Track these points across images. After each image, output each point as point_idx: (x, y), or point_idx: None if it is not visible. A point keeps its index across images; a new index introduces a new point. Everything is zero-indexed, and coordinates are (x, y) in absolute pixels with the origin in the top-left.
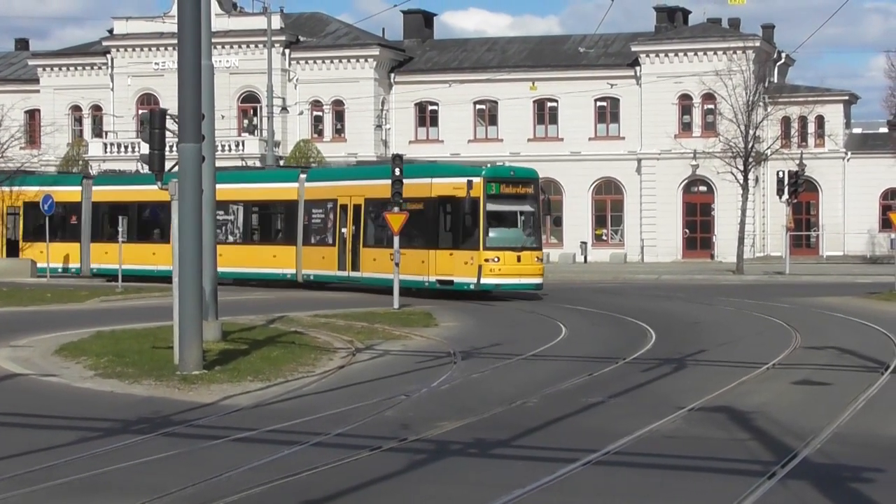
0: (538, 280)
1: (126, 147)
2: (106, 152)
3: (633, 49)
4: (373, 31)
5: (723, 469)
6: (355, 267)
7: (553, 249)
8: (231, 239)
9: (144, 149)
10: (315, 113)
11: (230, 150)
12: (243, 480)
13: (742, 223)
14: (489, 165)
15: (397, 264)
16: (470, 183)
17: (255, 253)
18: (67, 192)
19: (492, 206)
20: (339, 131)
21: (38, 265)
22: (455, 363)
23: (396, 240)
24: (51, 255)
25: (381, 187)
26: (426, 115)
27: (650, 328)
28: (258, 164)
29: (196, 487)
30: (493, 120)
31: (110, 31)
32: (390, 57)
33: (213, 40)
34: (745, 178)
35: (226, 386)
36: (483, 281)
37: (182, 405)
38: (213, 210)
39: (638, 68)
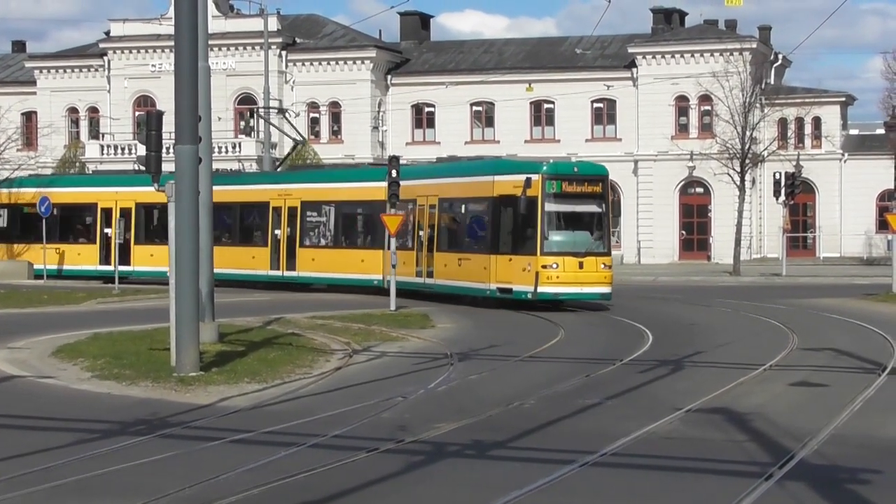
0: (604, 289)
1: (123, 149)
2: (103, 154)
3: (630, 51)
4: (369, 33)
5: (720, 470)
6: (430, 273)
7: None
8: (323, 242)
9: (141, 150)
10: (312, 115)
11: (227, 151)
12: (240, 482)
13: (739, 225)
14: (551, 161)
15: (394, 266)
16: (528, 181)
17: (342, 257)
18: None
19: (551, 207)
20: (335, 133)
21: (146, 269)
22: (452, 365)
23: (393, 241)
24: (161, 258)
25: (455, 185)
26: (423, 117)
27: (647, 330)
28: (255, 166)
29: (193, 489)
30: (489, 122)
31: (107, 33)
32: (387, 59)
33: (210, 42)
34: (742, 180)
35: (223, 388)
36: (540, 290)
37: (179, 407)
38: (210, 211)
39: (634, 70)
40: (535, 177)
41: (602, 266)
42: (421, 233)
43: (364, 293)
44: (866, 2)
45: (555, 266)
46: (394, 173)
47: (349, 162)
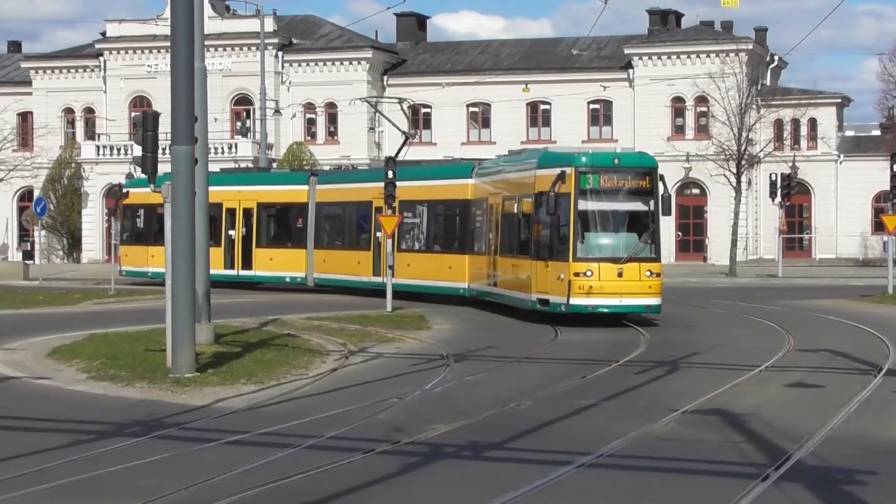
0: (651, 300)
1: (119, 149)
2: (99, 155)
3: (626, 52)
4: (366, 34)
5: (716, 471)
6: (494, 281)
7: None
8: (416, 246)
9: (137, 151)
10: (308, 115)
11: (223, 152)
12: (236, 483)
13: (735, 226)
14: (590, 152)
15: (391, 267)
16: (562, 175)
17: (432, 263)
18: (294, 192)
19: (585, 205)
20: (332, 134)
21: (267, 273)
22: (448, 366)
23: (390, 243)
24: (280, 263)
25: (518, 182)
26: (419, 118)
27: (643, 331)
28: (251, 167)
29: (189, 490)
30: (486, 122)
31: (103, 34)
32: (383, 59)
33: (206, 43)
34: (738, 181)
35: (219, 389)
36: (573, 301)
37: (175, 408)
38: (207, 212)
39: (631, 71)
40: (568, 170)
41: (647, 273)
42: (490, 235)
43: (449, 303)
44: (862, 3)
45: (589, 273)
46: (390, 174)
47: (445, 159)
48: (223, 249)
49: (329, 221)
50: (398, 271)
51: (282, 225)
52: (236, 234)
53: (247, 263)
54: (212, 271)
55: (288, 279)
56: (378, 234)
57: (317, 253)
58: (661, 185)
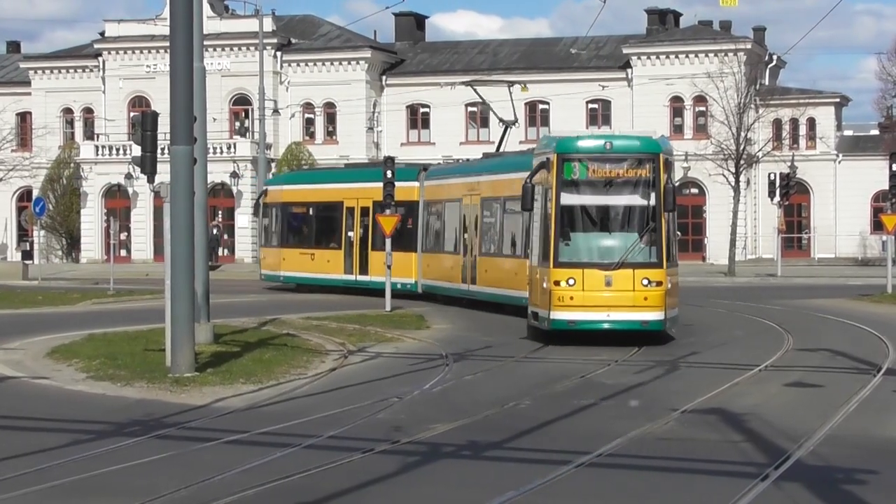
0: (648, 315)
1: (118, 149)
2: (98, 155)
3: (625, 51)
4: (364, 34)
5: (716, 471)
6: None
7: None
8: (492, 249)
9: (136, 151)
10: (307, 115)
11: (222, 152)
12: (235, 483)
13: (734, 225)
14: (575, 135)
15: (389, 266)
16: (545, 163)
17: (501, 268)
18: (405, 189)
19: (569, 198)
20: (330, 133)
21: (379, 279)
22: (447, 365)
23: (388, 242)
24: (397, 267)
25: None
26: (418, 118)
27: None
28: (249, 166)
29: (188, 490)
30: (484, 122)
31: (102, 34)
32: (382, 59)
33: (205, 43)
34: (737, 181)
35: (218, 388)
36: (553, 315)
37: (174, 407)
38: (206, 212)
39: (629, 70)
40: (551, 157)
41: (644, 282)
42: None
43: (514, 315)
44: (861, 2)
45: (571, 282)
46: (388, 174)
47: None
48: (343, 253)
49: (434, 221)
50: (480, 277)
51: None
52: (355, 236)
53: (363, 268)
54: (331, 276)
55: (399, 286)
56: (466, 235)
57: (423, 257)
58: (664, 174)
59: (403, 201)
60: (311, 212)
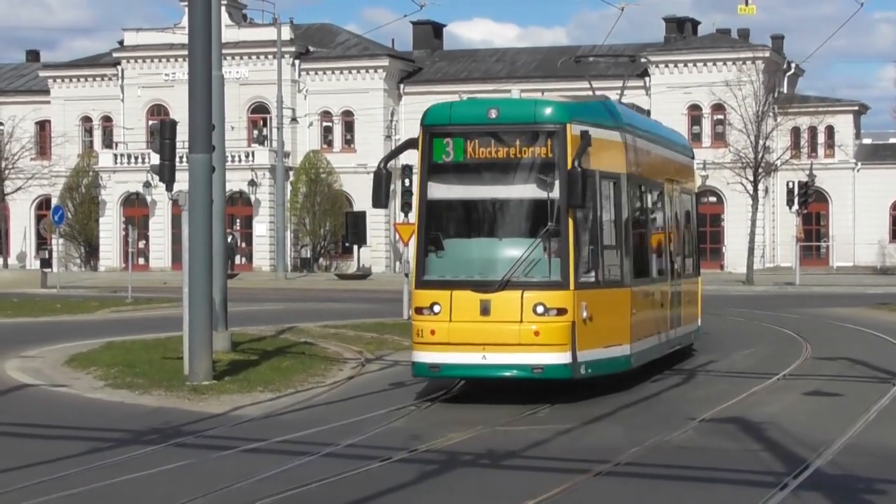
0: (545, 357)
1: (136, 158)
2: (116, 163)
3: (643, 59)
4: (382, 42)
5: (735, 480)
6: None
7: None
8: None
9: (155, 159)
10: (325, 123)
11: (240, 160)
12: (253, 491)
13: (752, 234)
14: (464, 97)
15: (407, 275)
16: (412, 140)
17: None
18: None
19: (438, 190)
20: (348, 142)
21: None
22: None
23: (408, 249)
24: None
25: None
26: None
27: None
28: (267, 175)
29: (206, 498)
30: None
31: (121, 43)
32: (400, 67)
33: (224, 51)
34: (755, 189)
35: (236, 396)
36: (415, 356)
37: (192, 416)
38: (224, 220)
39: (647, 79)
40: (420, 131)
41: (537, 310)
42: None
43: None
44: (879, 11)
45: (436, 309)
46: (407, 183)
47: None
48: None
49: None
50: None
51: None
52: None
53: None
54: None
55: None
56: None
57: None
58: (572, 153)
59: None
60: None
